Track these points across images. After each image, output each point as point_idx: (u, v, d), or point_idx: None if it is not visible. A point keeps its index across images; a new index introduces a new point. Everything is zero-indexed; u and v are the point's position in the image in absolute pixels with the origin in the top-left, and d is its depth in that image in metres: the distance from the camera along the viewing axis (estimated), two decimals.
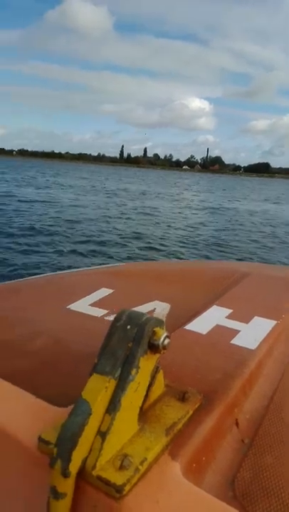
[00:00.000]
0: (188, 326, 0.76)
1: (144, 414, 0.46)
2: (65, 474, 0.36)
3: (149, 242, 8.95)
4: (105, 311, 0.90)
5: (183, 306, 0.92)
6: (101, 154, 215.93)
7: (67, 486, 0.37)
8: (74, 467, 0.37)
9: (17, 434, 0.44)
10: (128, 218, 12.21)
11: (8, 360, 0.69)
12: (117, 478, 0.37)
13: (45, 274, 1.44)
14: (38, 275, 1.43)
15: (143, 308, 0.90)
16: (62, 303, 0.95)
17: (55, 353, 0.73)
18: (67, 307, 0.93)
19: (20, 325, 0.85)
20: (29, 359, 0.71)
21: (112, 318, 0.87)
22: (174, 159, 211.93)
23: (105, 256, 7.31)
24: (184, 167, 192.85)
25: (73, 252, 7.35)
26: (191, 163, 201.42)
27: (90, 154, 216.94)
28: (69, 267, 5.92)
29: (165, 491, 0.38)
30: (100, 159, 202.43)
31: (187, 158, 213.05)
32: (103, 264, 5.35)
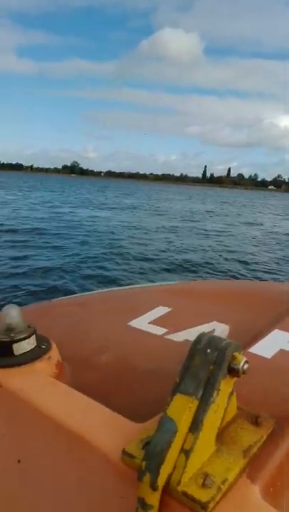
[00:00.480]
0: (252, 349, 0.75)
1: (220, 435, 0.47)
2: (154, 487, 0.39)
3: (206, 263, 8.53)
4: (165, 330, 0.91)
5: (242, 327, 0.90)
6: (184, 175, 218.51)
7: (154, 499, 0.39)
8: (161, 481, 0.39)
9: (101, 447, 0.46)
10: (181, 240, 11.53)
11: (78, 373, 0.70)
12: (201, 495, 0.39)
13: (104, 290, 1.46)
14: (98, 290, 1.50)
15: (202, 329, 0.90)
16: (122, 319, 0.97)
17: (120, 369, 0.74)
18: (128, 324, 0.94)
19: (86, 339, 0.88)
20: (97, 373, 0.72)
21: (171, 337, 0.87)
22: (259, 179, 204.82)
23: (157, 275, 7.29)
24: (269, 187, 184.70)
25: (128, 270, 7.46)
26: (277, 183, 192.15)
27: (173, 175, 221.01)
28: (124, 284, 6.09)
29: None
30: (182, 179, 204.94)
31: (274, 177, 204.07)
32: (154, 281, 5.60)
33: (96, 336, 0.89)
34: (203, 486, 0.39)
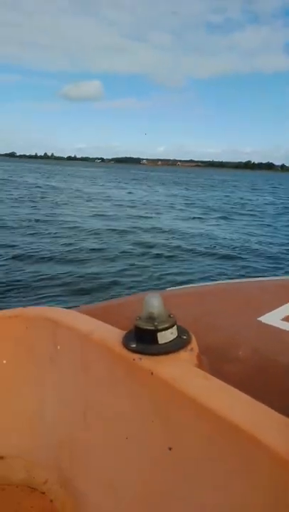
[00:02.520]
0: None
1: None
2: None
3: None
4: None
5: None
6: None
7: None
8: None
9: (278, 451, 0.42)
10: None
11: (216, 366, 0.68)
12: None
13: (218, 282, 1.48)
14: (212, 282, 1.49)
15: None
16: (251, 313, 1.00)
17: (263, 366, 0.74)
18: (258, 319, 0.96)
19: (215, 331, 0.89)
20: (237, 368, 0.73)
21: None
22: None
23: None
24: None
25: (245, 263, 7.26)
26: None
27: None
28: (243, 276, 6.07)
29: None
30: None
31: None
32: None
33: (226, 329, 0.91)
34: None
